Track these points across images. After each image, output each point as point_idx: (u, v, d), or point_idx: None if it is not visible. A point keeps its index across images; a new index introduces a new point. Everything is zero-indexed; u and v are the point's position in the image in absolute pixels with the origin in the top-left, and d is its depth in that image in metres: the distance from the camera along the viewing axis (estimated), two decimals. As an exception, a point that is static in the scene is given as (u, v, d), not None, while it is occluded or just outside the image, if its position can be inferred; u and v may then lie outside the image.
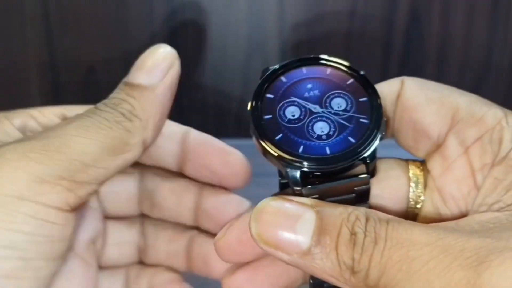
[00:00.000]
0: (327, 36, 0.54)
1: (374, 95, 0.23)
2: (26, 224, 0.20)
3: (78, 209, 0.22)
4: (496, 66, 0.56)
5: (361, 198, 0.22)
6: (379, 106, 0.22)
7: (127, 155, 0.22)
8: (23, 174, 0.20)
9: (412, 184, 0.24)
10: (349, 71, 0.24)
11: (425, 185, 0.24)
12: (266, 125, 0.22)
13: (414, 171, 0.24)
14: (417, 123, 0.23)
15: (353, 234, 0.18)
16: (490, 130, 0.21)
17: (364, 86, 0.23)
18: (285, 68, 0.24)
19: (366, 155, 0.21)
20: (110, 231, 0.28)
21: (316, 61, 0.24)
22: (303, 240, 0.18)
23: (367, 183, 0.22)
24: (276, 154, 0.21)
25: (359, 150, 0.21)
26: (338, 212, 0.19)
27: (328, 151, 0.21)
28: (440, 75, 0.56)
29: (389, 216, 0.19)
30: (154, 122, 0.23)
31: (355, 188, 0.22)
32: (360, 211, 0.19)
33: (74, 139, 0.21)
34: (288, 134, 0.22)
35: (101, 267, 0.27)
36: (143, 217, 0.28)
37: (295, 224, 0.19)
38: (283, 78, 0.23)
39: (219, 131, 0.57)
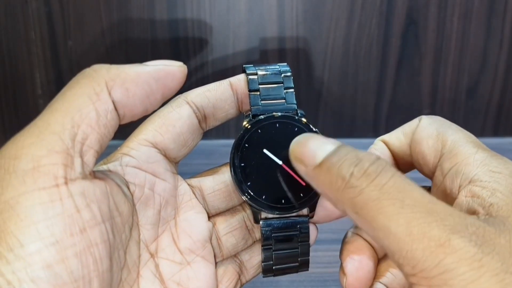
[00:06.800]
0: (325, 37, 0.54)
1: None
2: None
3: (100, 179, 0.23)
4: (491, 69, 0.56)
5: (304, 234, 0.28)
6: None
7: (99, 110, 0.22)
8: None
9: None
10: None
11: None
12: (241, 171, 0.28)
13: None
14: (420, 154, 0.26)
15: (359, 160, 0.21)
16: (457, 164, 0.24)
17: None
18: (261, 123, 0.28)
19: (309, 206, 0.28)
20: (219, 225, 0.30)
21: (288, 119, 0.28)
22: (319, 156, 0.22)
23: (307, 223, 0.28)
24: (247, 201, 0.28)
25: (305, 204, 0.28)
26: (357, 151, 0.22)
27: (283, 202, 0.27)
28: (436, 78, 0.56)
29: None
30: (119, 83, 0.22)
31: (298, 226, 0.28)
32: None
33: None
34: (256, 182, 0.27)
35: (218, 261, 0.29)
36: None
37: (320, 146, 0.22)
38: (259, 130, 0.28)
39: (221, 132, 0.58)
